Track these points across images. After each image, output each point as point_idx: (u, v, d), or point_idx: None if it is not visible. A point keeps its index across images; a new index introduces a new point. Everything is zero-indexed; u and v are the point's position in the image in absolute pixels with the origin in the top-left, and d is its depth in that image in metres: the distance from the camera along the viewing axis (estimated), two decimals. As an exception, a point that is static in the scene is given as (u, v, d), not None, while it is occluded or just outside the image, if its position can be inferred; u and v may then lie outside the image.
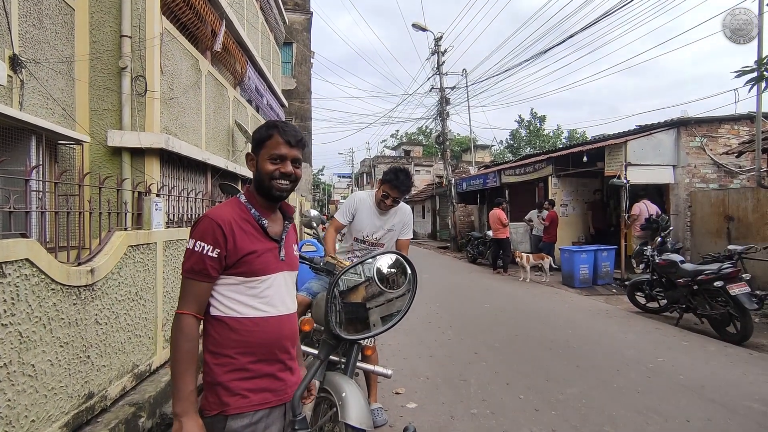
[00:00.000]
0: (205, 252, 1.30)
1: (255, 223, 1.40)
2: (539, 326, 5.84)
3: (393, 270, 1.04)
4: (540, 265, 9.87)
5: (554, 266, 9.94)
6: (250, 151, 1.49)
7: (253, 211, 1.41)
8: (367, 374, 3.13)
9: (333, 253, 2.82)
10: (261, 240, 1.40)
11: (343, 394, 2.00)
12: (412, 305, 1.09)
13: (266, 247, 1.40)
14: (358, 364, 2.40)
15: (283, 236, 1.48)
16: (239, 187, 9.07)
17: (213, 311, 1.33)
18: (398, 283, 1.03)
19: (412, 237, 3.25)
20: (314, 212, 2.64)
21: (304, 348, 2.57)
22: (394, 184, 2.91)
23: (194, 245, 1.31)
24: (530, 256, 10.01)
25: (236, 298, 1.35)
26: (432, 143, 34.15)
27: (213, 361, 1.31)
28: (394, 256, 1.05)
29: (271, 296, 1.39)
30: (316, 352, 2.31)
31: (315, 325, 2.67)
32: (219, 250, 1.31)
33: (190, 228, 1.38)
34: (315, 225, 2.59)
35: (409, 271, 1.03)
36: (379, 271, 1.02)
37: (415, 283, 1.04)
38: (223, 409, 1.28)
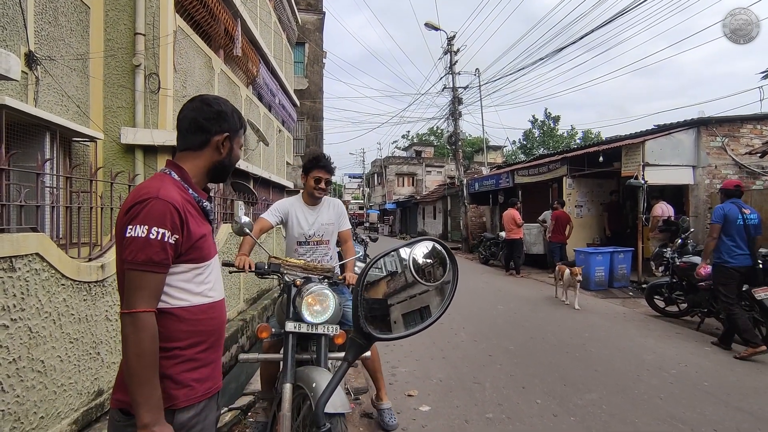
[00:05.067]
0: (165, 239, 1.17)
1: (196, 205, 1.32)
2: (554, 329, 5.70)
3: (429, 260, 0.94)
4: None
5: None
6: (224, 133, 1.36)
7: (191, 191, 1.32)
8: (370, 369, 3.10)
9: (248, 248, 2.66)
10: (204, 223, 1.34)
11: (314, 384, 1.99)
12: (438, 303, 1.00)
13: (208, 230, 1.35)
14: (332, 354, 2.37)
15: (212, 217, 1.43)
16: (251, 185, 9.06)
17: (160, 304, 1.20)
18: (435, 275, 0.94)
19: (350, 227, 3.23)
20: (245, 218, 2.45)
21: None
22: (321, 164, 2.90)
23: (149, 232, 1.15)
24: (568, 269, 7.20)
25: (185, 287, 1.26)
26: (443, 144, 34.00)
27: (161, 354, 1.18)
28: (430, 244, 0.96)
29: (213, 281, 1.35)
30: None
31: (273, 330, 2.48)
32: (177, 236, 1.20)
33: (126, 212, 1.20)
34: (248, 232, 2.41)
35: (449, 262, 0.94)
36: (414, 261, 0.92)
37: (455, 274, 0.94)
38: (172, 404, 1.19)
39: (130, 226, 1.16)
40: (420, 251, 0.92)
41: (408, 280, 0.92)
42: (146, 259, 1.15)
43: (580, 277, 6.89)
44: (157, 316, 1.18)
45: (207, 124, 1.34)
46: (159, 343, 1.17)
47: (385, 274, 0.96)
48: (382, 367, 3.19)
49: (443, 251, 0.92)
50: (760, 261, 5.22)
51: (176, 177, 1.31)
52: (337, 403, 1.92)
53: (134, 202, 1.19)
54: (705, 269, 5.24)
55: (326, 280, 2.47)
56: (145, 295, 1.15)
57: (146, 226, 1.15)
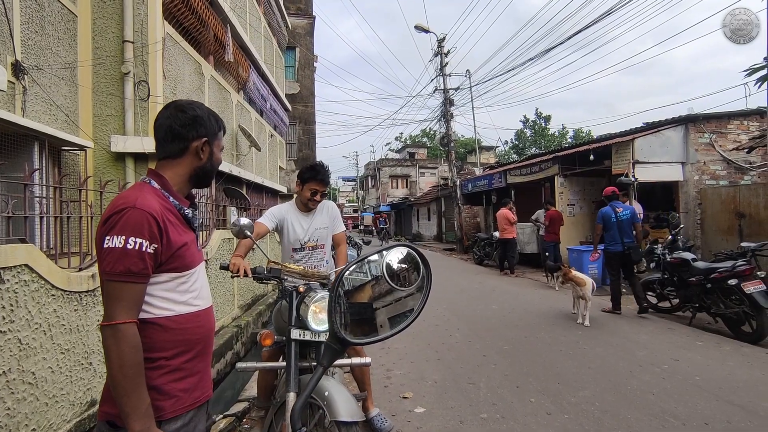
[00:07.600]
0: (144, 249, 1.15)
1: (177, 213, 1.30)
2: (548, 327, 5.73)
3: (404, 266, 0.95)
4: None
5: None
6: (202, 138, 1.35)
7: (171, 199, 1.30)
8: (359, 379, 3.02)
9: (244, 250, 2.63)
10: (186, 231, 1.32)
11: (326, 393, 1.94)
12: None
13: (191, 238, 1.34)
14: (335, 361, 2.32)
15: (196, 224, 1.40)
16: (243, 191, 9.03)
17: (142, 315, 1.19)
18: (410, 280, 0.95)
19: (345, 229, 3.22)
20: (245, 220, 2.43)
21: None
22: (319, 178, 2.87)
23: (127, 242, 1.13)
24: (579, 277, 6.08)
25: (169, 297, 1.24)
26: (436, 145, 34.07)
27: (146, 365, 1.17)
28: (405, 250, 0.97)
29: (199, 289, 1.33)
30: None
31: (276, 337, 2.39)
32: (156, 246, 1.18)
33: (104, 222, 1.19)
34: (248, 234, 2.39)
35: (422, 266, 0.95)
36: (389, 266, 0.93)
37: (429, 279, 0.95)
38: (158, 415, 1.17)
39: (108, 237, 1.15)
40: (395, 257, 0.93)
41: (384, 288, 0.93)
42: (124, 269, 1.13)
43: (584, 290, 5.93)
44: (141, 326, 1.17)
45: (183, 131, 1.33)
46: (143, 354, 1.15)
47: (369, 278, 0.97)
48: (371, 378, 3.12)
49: (417, 256, 0.93)
50: (629, 248, 6.35)
51: (156, 185, 1.30)
52: (352, 411, 1.90)
53: (111, 212, 1.18)
54: (593, 257, 7.11)
55: (324, 288, 2.45)
56: (124, 306, 1.14)
57: (123, 237, 1.14)
